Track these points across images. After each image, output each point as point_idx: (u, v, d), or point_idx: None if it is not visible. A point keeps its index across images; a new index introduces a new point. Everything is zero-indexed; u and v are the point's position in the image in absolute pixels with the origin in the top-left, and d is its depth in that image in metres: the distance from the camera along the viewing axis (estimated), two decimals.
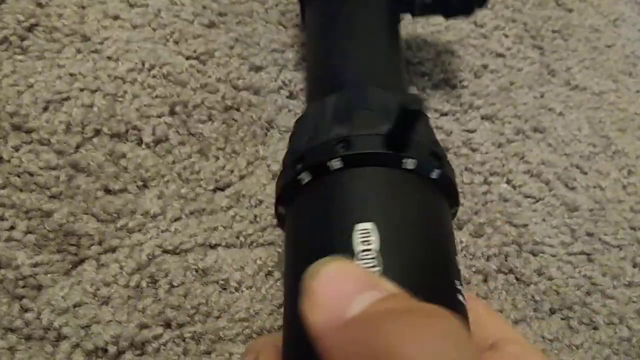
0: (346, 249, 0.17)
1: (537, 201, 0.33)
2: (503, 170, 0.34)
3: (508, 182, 0.34)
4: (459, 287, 0.18)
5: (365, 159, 0.19)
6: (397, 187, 0.19)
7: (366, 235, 0.18)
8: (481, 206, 0.32)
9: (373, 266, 0.17)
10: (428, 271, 0.18)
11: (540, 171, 0.34)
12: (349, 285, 0.14)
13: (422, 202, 0.19)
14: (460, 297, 0.18)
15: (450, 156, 0.33)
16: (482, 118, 0.36)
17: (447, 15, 0.32)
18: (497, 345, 0.19)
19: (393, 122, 0.19)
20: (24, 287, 0.25)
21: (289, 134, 0.32)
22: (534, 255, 0.31)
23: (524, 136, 0.36)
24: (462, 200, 0.32)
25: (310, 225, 0.19)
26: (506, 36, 0.40)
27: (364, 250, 0.17)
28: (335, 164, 0.19)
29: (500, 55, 0.39)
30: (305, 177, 0.20)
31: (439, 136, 0.34)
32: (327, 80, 0.25)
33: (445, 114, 0.35)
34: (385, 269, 0.17)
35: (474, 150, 0.34)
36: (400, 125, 0.19)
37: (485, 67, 0.38)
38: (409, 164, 0.19)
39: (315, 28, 0.29)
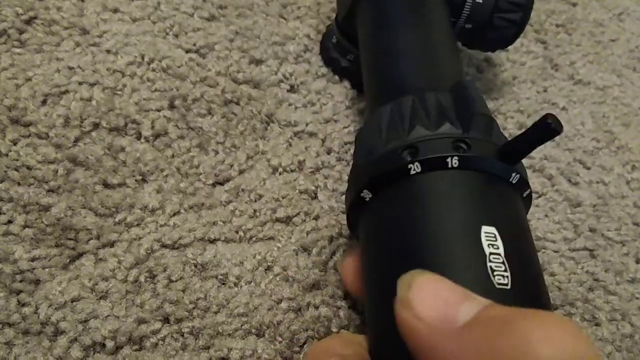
0: (477, 250, 0.17)
1: (540, 196, 0.33)
2: None
3: None
4: None
5: (480, 164, 0.19)
6: (504, 197, 0.20)
7: (492, 239, 0.18)
8: None
9: (504, 270, 0.17)
10: (538, 279, 0.18)
11: (543, 166, 0.34)
12: (448, 295, 0.15)
13: (521, 213, 0.20)
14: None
15: None
16: None
17: (484, 48, 0.32)
18: None
19: (524, 133, 0.19)
20: (21, 281, 0.25)
21: (291, 128, 0.32)
22: (537, 250, 0.31)
23: None
24: None
25: (424, 222, 0.19)
26: None
27: (492, 254, 0.17)
28: (454, 161, 0.19)
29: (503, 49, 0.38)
30: (416, 169, 0.20)
31: None
32: (429, 75, 0.25)
33: None
34: (512, 274, 0.17)
35: None
36: (530, 140, 0.19)
37: (488, 61, 0.37)
38: (514, 178, 0.20)
39: (377, 28, 0.29)
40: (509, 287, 0.17)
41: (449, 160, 0.19)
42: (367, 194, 0.21)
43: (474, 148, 0.20)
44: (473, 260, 0.17)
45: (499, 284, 0.17)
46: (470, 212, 0.19)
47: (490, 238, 0.18)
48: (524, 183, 0.21)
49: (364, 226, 0.22)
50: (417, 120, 0.21)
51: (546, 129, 0.18)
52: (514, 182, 0.20)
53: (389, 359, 0.18)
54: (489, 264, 0.17)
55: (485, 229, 0.18)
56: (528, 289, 0.18)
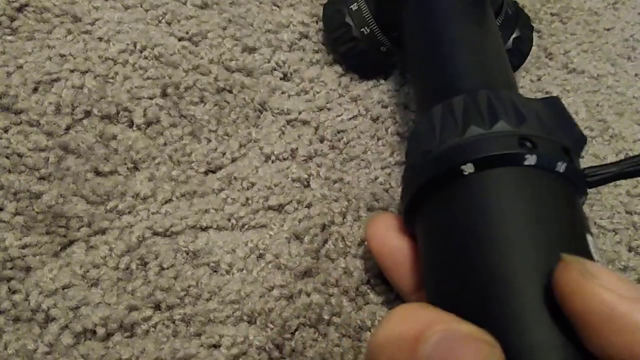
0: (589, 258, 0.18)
1: None
2: None
3: None
4: None
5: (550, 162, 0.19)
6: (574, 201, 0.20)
7: (595, 247, 0.19)
8: None
9: None
10: None
11: None
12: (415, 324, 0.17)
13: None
14: None
15: None
16: None
17: None
18: None
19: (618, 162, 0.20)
20: (12, 268, 0.25)
21: (284, 116, 0.32)
22: None
23: None
24: None
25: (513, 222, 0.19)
26: None
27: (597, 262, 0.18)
28: (531, 159, 0.19)
29: None
30: (468, 169, 0.20)
31: None
32: (476, 75, 0.25)
33: None
34: None
35: None
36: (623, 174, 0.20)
37: None
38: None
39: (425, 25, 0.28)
40: None
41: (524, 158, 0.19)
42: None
43: (541, 146, 0.20)
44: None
45: None
46: (579, 219, 0.19)
47: (594, 246, 0.19)
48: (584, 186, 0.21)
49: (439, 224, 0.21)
50: (470, 118, 0.21)
51: None
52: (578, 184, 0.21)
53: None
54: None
55: (589, 237, 0.19)
56: None
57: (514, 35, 0.32)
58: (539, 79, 0.37)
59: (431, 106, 0.23)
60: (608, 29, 0.41)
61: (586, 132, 0.36)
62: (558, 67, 0.38)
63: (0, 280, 0.24)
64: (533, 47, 0.38)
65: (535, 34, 0.39)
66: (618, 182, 0.34)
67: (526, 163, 0.19)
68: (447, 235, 0.20)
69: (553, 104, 0.23)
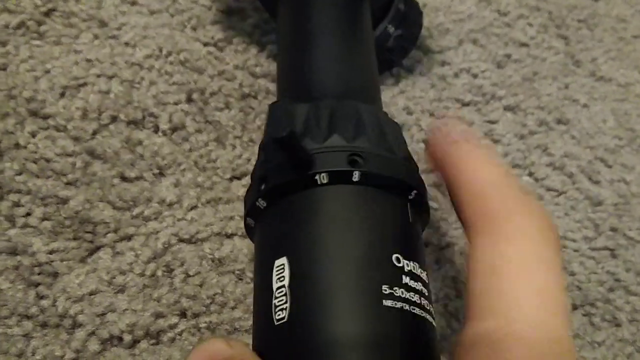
0: (268, 287, 0.17)
1: (560, 194, 0.33)
2: (525, 163, 0.33)
3: (530, 174, 0.33)
4: (390, 291, 0.17)
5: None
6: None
7: (281, 272, 0.17)
8: None
9: (284, 302, 0.16)
10: (342, 290, 0.17)
11: (564, 164, 0.33)
12: None
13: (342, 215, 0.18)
14: (389, 302, 0.16)
15: None
16: (505, 109, 0.35)
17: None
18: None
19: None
20: (39, 274, 0.25)
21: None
22: None
23: (547, 128, 0.35)
24: None
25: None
26: (530, 25, 0.39)
27: (278, 288, 0.17)
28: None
29: (524, 44, 0.38)
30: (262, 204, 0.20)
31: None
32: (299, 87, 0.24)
33: (467, 104, 0.34)
34: (292, 302, 0.16)
35: (495, 141, 0.33)
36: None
37: (508, 56, 0.37)
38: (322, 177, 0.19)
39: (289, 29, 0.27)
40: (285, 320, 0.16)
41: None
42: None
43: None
44: None
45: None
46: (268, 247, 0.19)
47: (279, 271, 0.17)
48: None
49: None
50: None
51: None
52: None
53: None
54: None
55: (277, 262, 0.18)
56: (312, 309, 0.16)
57: (397, 33, 0.31)
58: (566, 87, 0.37)
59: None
60: (636, 36, 0.41)
61: (614, 141, 0.35)
62: (585, 74, 0.38)
63: (28, 286, 0.25)
64: (559, 55, 0.38)
65: (562, 41, 0.39)
66: None
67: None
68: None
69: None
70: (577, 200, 0.32)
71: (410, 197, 0.19)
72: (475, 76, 0.36)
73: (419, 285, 0.18)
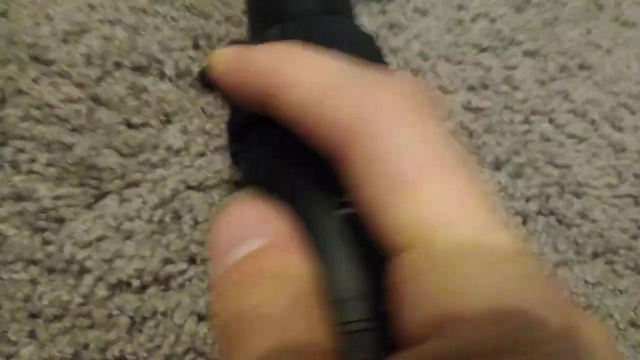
0: None
1: (582, 141, 0.31)
2: (545, 109, 0.32)
3: (550, 121, 0.32)
4: None
5: None
6: None
7: None
8: (521, 146, 0.31)
9: None
10: None
11: (585, 110, 0.32)
12: (237, 230, 0.14)
13: None
14: None
15: (489, 93, 0.32)
16: (524, 54, 0.33)
17: None
18: None
19: None
20: (45, 219, 0.24)
21: None
22: (577, 197, 0.30)
23: (568, 74, 0.33)
24: (501, 139, 0.30)
25: None
26: None
27: None
28: None
29: None
30: None
31: (478, 72, 0.32)
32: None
33: (485, 50, 0.33)
34: None
35: (514, 87, 0.32)
36: None
37: (528, 0, 0.35)
38: None
39: None
40: None
41: None
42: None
43: None
44: None
45: None
46: None
47: None
48: None
49: None
50: None
51: None
52: None
53: None
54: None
55: None
56: None
57: None
58: (588, 32, 0.35)
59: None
60: None
61: (638, 87, 0.34)
62: (609, 19, 0.36)
63: (34, 232, 0.24)
64: None
65: None
66: None
67: None
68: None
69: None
70: (599, 147, 0.31)
71: None
72: (493, 21, 0.34)
73: None
